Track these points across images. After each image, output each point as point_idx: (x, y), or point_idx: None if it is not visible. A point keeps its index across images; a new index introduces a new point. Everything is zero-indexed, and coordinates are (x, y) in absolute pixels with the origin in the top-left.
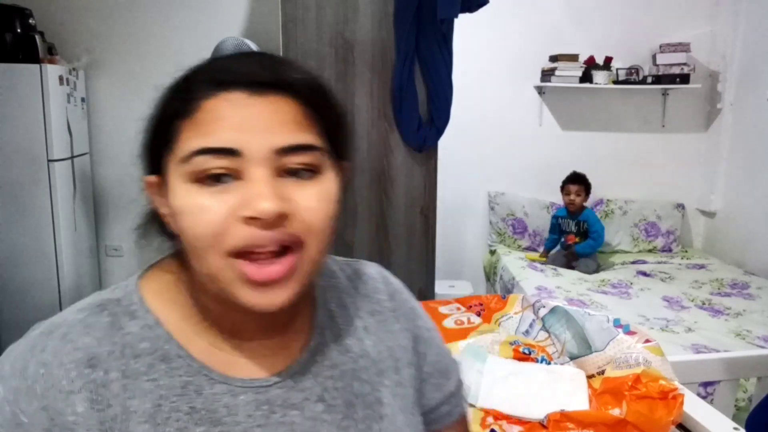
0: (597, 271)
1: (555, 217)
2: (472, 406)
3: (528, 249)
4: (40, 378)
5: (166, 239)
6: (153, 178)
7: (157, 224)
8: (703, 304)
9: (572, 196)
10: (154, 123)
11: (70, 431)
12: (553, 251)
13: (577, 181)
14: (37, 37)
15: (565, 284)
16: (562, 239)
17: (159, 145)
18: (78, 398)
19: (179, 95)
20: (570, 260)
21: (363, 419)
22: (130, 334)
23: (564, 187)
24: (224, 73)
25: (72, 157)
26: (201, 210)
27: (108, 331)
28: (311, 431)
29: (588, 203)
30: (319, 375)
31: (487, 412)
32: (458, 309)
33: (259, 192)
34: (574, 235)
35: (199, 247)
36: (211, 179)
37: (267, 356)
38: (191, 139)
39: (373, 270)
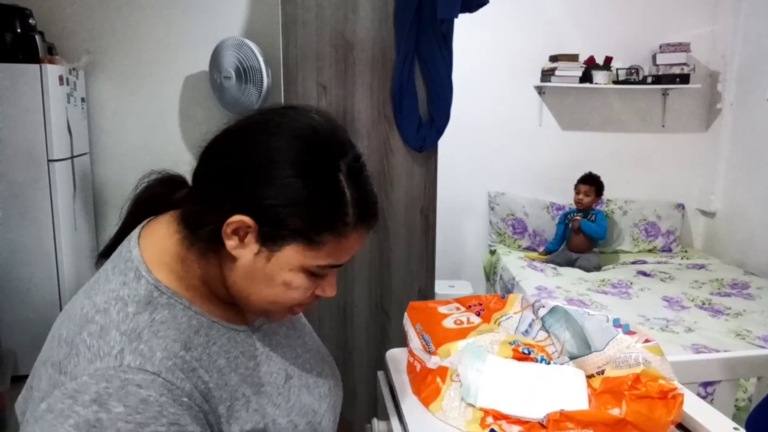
0: (598, 268)
1: (564, 215)
2: (471, 405)
3: (528, 249)
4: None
5: (206, 249)
6: (251, 222)
7: (212, 237)
8: (703, 304)
9: (581, 196)
10: (310, 211)
11: (211, 396)
12: (553, 254)
13: (587, 182)
14: (37, 37)
15: (565, 284)
16: (569, 225)
17: (294, 228)
18: (199, 371)
19: (338, 214)
20: (572, 255)
21: (300, 330)
22: (183, 318)
23: (576, 186)
24: (372, 217)
25: (72, 157)
26: (295, 289)
27: (172, 321)
28: (289, 342)
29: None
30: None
31: (486, 412)
32: (458, 309)
33: (333, 285)
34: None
35: (267, 302)
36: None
37: (241, 314)
38: (330, 253)
39: None
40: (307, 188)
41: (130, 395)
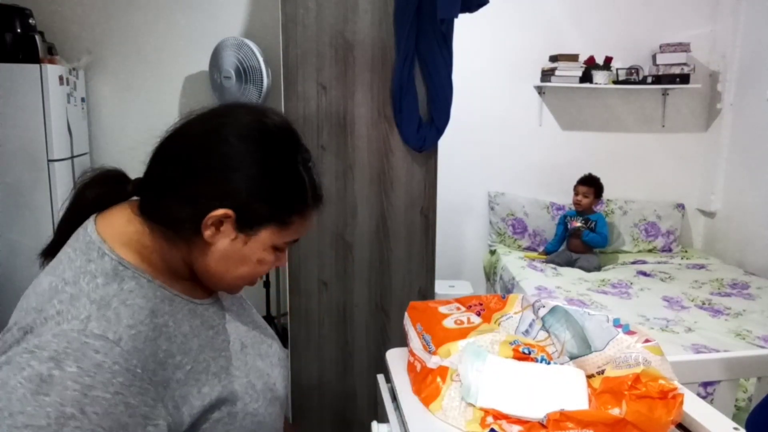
0: (598, 268)
1: (564, 216)
2: (471, 405)
3: (528, 249)
4: (130, 339)
5: (186, 234)
6: (232, 214)
7: (190, 228)
8: (703, 304)
9: (580, 197)
10: (280, 199)
11: (170, 362)
12: (553, 255)
13: (586, 183)
14: (37, 37)
15: (565, 284)
16: (569, 226)
17: (269, 215)
18: (161, 339)
19: (302, 198)
20: (572, 256)
21: (248, 309)
22: (149, 289)
23: (575, 187)
24: (321, 197)
25: (72, 157)
26: (266, 264)
27: (139, 290)
28: (240, 318)
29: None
30: (220, 295)
31: (486, 412)
32: (458, 309)
33: (285, 257)
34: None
35: (240, 278)
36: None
37: (198, 289)
38: (296, 230)
39: None
40: (276, 181)
41: (86, 358)
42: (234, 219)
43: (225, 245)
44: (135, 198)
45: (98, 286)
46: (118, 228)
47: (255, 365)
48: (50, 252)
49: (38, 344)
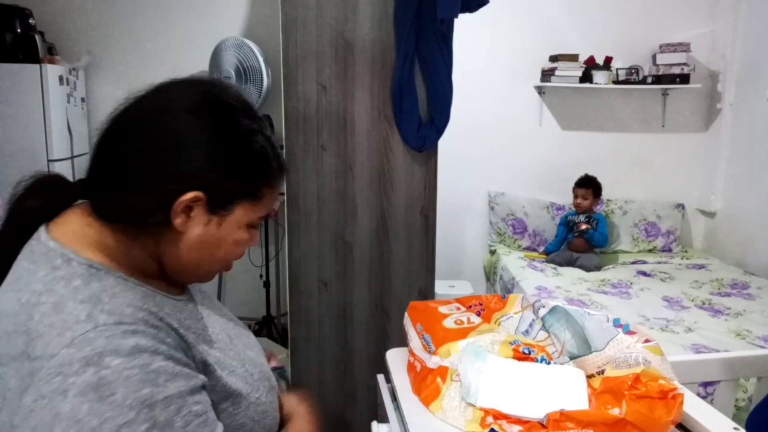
0: (599, 268)
1: (565, 216)
2: (471, 405)
3: (528, 249)
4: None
5: (155, 226)
6: (203, 195)
7: (156, 219)
8: (703, 304)
9: (579, 200)
10: (247, 171)
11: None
12: (553, 254)
13: (583, 185)
14: (37, 37)
15: (565, 284)
16: (574, 228)
17: (240, 190)
18: (161, 331)
19: (268, 167)
20: (573, 255)
21: (219, 305)
22: (128, 286)
23: (573, 190)
24: (283, 164)
25: (72, 157)
26: (242, 245)
27: (123, 285)
28: (217, 312)
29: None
30: (192, 292)
31: (486, 412)
32: (458, 309)
33: (257, 235)
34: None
35: (216, 263)
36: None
37: (171, 286)
38: (267, 203)
39: None
40: (239, 153)
41: (119, 347)
42: (205, 201)
43: (198, 231)
44: (82, 201)
45: (78, 288)
46: (76, 233)
47: (246, 354)
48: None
49: (61, 362)
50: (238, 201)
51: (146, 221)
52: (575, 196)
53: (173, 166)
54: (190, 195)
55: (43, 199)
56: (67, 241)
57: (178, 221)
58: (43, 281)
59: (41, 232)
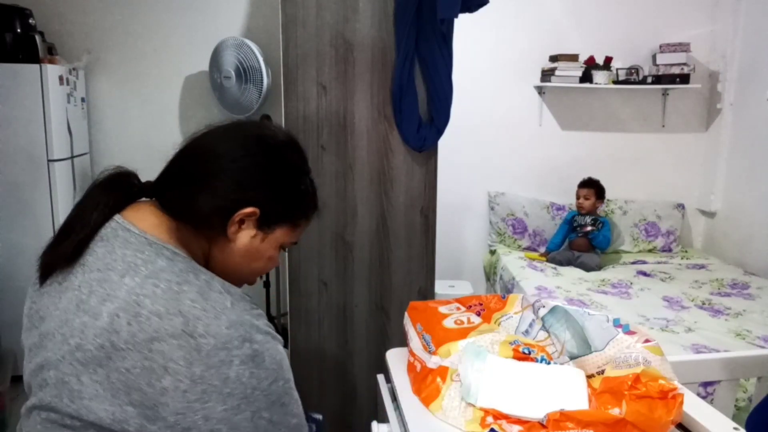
0: (599, 267)
1: (570, 215)
2: (471, 405)
3: (528, 249)
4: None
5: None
6: (257, 211)
7: (215, 224)
8: (703, 304)
9: (581, 200)
10: (294, 202)
11: None
12: (554, 252)
13: (585, 186)
14: (37, 37)
15: (565, 284)
16: (578, 229)
17: (285, 215)
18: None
19: (313, 204)
20: (574, 254)
21: None
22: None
23: (576, 191)
24: (317, 207)
25: (72, 157)
26: (273, 261)
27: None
28: None
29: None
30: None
31: (486, 412)
32: (458, 309)
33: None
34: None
35: (252, 273)
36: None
37: None
38: (300, 232)
39: None
40: (293, 187)
41: (258, 325)
42: (257, 217)
43: (245, 241)
44: (145, 198)
45: (207, 281)
46: (154, 226)
47: None
48: (78, 253)
49: (225, 340)
50: (281, 224)
51: (206, 224)
52: (578, 197)
53: (245, 187)
54: (249, 209)
55: (121, 189)
56: (161, 237)
57: (231, 229)
58: (172, 272)
59: (126, 223)
